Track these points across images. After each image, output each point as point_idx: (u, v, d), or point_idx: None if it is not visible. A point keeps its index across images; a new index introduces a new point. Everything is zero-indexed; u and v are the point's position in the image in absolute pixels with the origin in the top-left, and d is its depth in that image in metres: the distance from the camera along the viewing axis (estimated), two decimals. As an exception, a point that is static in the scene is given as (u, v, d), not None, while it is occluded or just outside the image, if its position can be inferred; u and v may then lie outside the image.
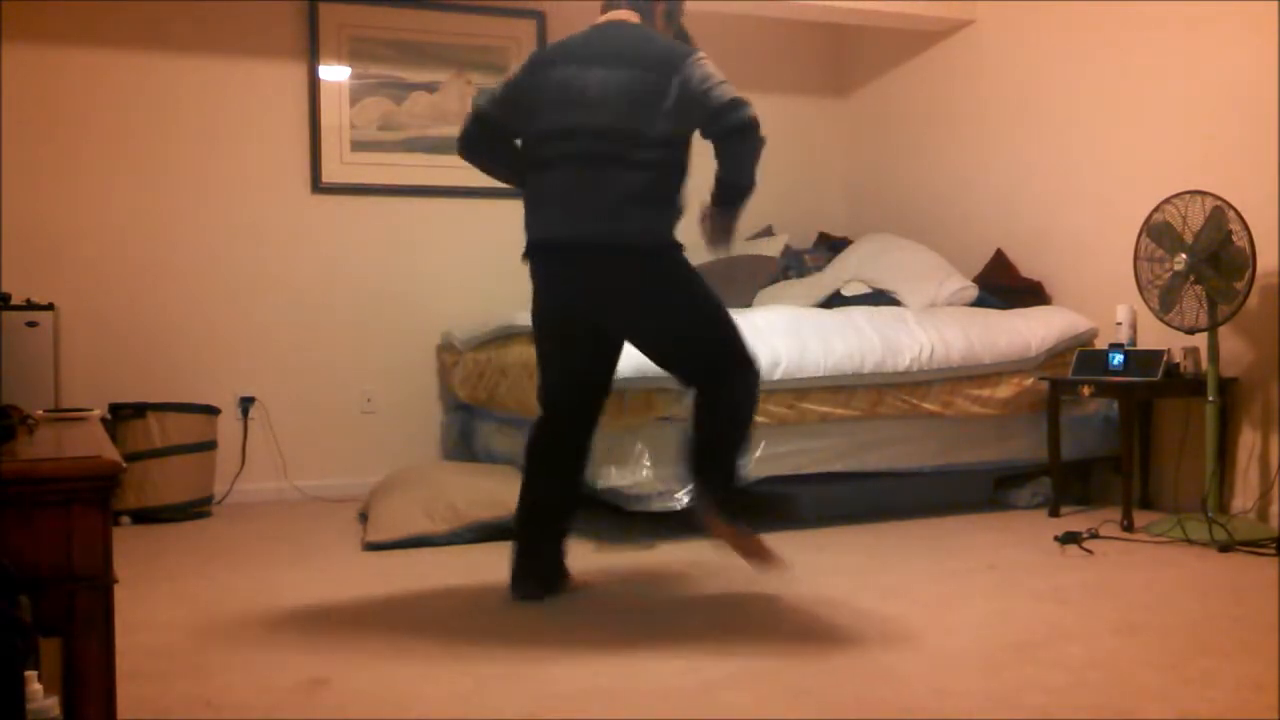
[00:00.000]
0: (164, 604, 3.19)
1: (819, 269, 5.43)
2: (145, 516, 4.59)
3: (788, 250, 5.57)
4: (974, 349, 4.39)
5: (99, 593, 1.50)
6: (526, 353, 4.35)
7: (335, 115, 5.30)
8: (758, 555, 3.10)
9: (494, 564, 3.72)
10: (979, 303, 4.84)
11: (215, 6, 5.11)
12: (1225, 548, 3.68)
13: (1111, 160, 4.69)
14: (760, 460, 4.07)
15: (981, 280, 5.04)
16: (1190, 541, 3.78)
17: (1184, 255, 3.89)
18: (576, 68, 3.03)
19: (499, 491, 4.12)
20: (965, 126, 5.45)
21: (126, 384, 4.89)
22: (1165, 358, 4.11)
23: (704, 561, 3.69)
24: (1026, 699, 2.28)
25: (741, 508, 3.11)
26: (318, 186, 5.28)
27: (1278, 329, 4.05)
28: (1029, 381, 4.47)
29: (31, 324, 4.36)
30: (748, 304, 5.06)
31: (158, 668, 2.57)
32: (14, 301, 4.41)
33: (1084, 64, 4.80)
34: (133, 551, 3.94)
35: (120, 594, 1.58)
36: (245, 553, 3.96)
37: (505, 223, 5.60)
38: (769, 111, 6.09)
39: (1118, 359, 4.18)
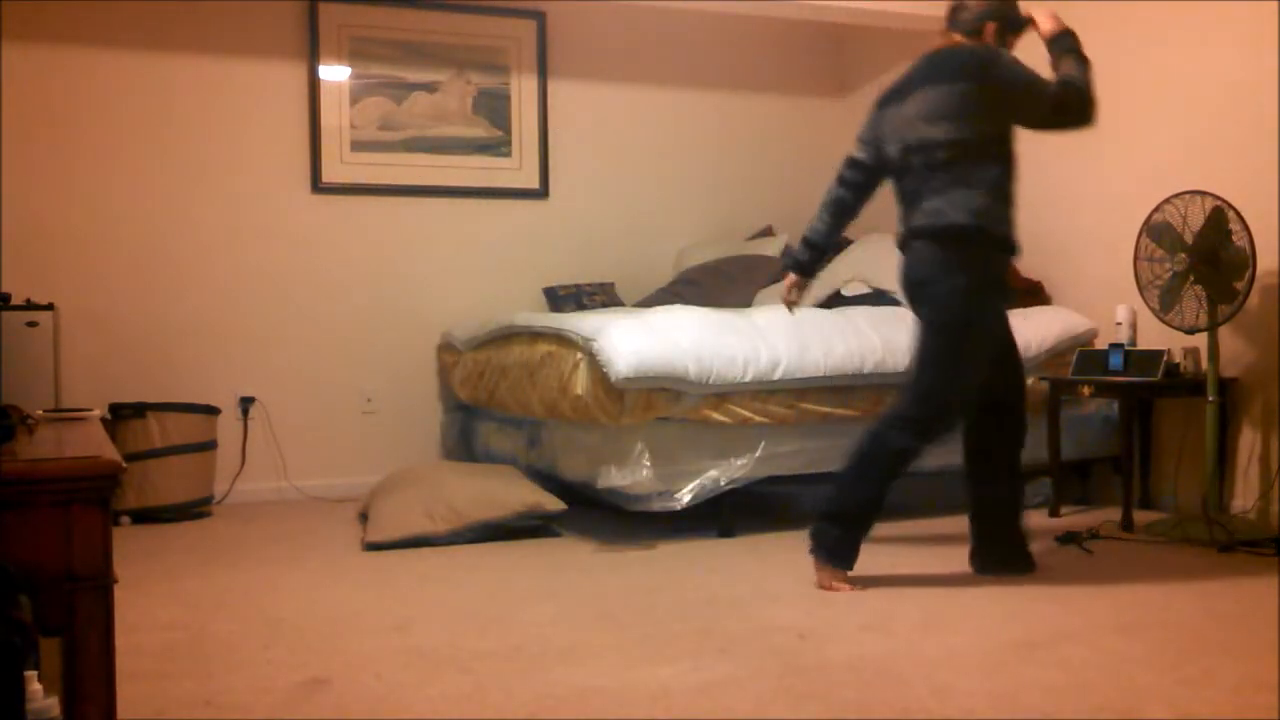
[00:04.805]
0: (164, 604, 3.19)
1: (819, 269, 5.42)
2: (145, 516, 4.59)
3: (788, 250, 5.57)
4: (974, 349, 4.38)
5: (99, 593, 1.50)
6: (527, 353, 4.35)
7: (335, 115, 5.30)
8: None
9: (494, 564, 3.72)
10: (979, 303, 4.83)
11: (215, 6, 5.11)
12: (1225, 548, 3.68)
13: (1111, 160, 4.69)
14: (760, 460, 4.07)
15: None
16: (1190, 541, 3.78)
17: (1184, 255, 3.89)
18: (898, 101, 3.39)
19: (499, 491, 4.12)
20: (965, 126, 5.44)
21: (126, 384, 4.89)
22: (1165, 358, 4.11)
23: (704, 561, 3.69)
24: (1026, 699, 2.28)
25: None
26: (318, 186, 5.28)
27: (1278, 329, 4.05)
28: (1029, 381, 4.46)
29: (31, 324, 4.36)
30: (748, 304, 5.06)
31: (158, 668, 2.57)
32: (14, 301, 4.41)
33: (1084, 64, 4.80)
34: (133, 551, 3.94)
35: (120, 594, 1.58)
36: (245, 553, 3.96)
37: (505, 223, 5.63)
38: (769, 111, 6.17)
39: (1118, 359, 4.18)
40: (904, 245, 3.37)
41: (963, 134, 3.23)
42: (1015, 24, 3.46)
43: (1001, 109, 3.27)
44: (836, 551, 3.30)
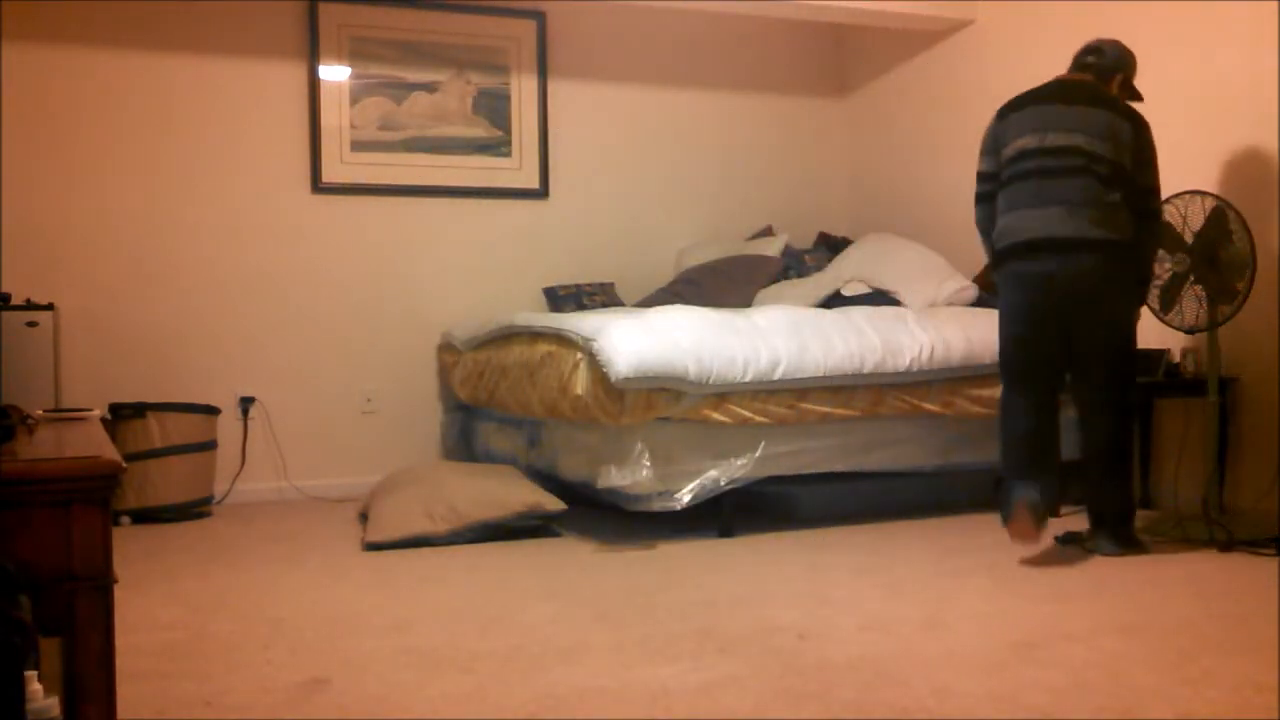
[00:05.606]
0: (164, 604, 3.19)
1: (819, 269, 5.43)
2: (145, 516, 4.59)
3: (788, 250, 5.57)
4: (974, 349, 4.39)
5: (99, 593, 1.50)
6: (527, 353, 4.35)
7: (335, 115, 5.30)
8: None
9: (494, 564, 3.73)
10: (979, 303, 4.84)
11: (215, 6, 5.11)
12: (1225, 548, 3.68)
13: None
14: (760, 460, 4.07)
15: (981, 280, 5.04)
16: (1190, 541, 3.78)
17: (1184, 255, 3.89)
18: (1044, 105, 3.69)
19: (499, 491, 4.12)
20: (966, 126, 5.43)
21: (126, 384, 4.89)
22: (1165, 358, 4.11)
23: (704, 561, 3.69)
24: (1026, 699, 2.28)
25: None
26: (318, 186, 5.28)
27: (1278, 329, 4.05)
28: (1029, 381, 4.46)
29: (31, 324, 4.36)
30: (748, 304, 5.06)
31: (158, 668, 2.57)
32: (14, 301, 4.41)
33: (1084, 64, 4.80)
34: (133, 551, 3.94)
35: (120, 594, 1.58)
36: (245, 553, 3.96)
37: (505, 223, 5.63)
38: (769, 111, 6.18)
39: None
40: (1064, 248, 3.55)
41: (1120, 159, 3.56)
42: (1134, 89, 3.80)
43: (1136, 162, 3.60)
44: (1130, 540, 3.68)
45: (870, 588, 3.28)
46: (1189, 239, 3.90)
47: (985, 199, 3.84)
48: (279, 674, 2.52)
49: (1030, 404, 3.72)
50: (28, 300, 4.46)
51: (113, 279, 4.95)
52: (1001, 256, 3.73)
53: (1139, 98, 3.80)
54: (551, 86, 5.70)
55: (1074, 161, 3.56)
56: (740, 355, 3.98)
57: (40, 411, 2.27)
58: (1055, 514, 3.76)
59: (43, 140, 4.86)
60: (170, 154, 5.05)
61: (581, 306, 5.34)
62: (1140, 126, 3.64)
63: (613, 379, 3.78)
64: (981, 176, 3.85)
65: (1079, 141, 3.57)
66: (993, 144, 3.82)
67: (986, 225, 3.84)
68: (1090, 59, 3.78)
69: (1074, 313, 3.62)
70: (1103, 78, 3.74)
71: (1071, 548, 3.74)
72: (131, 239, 4.99)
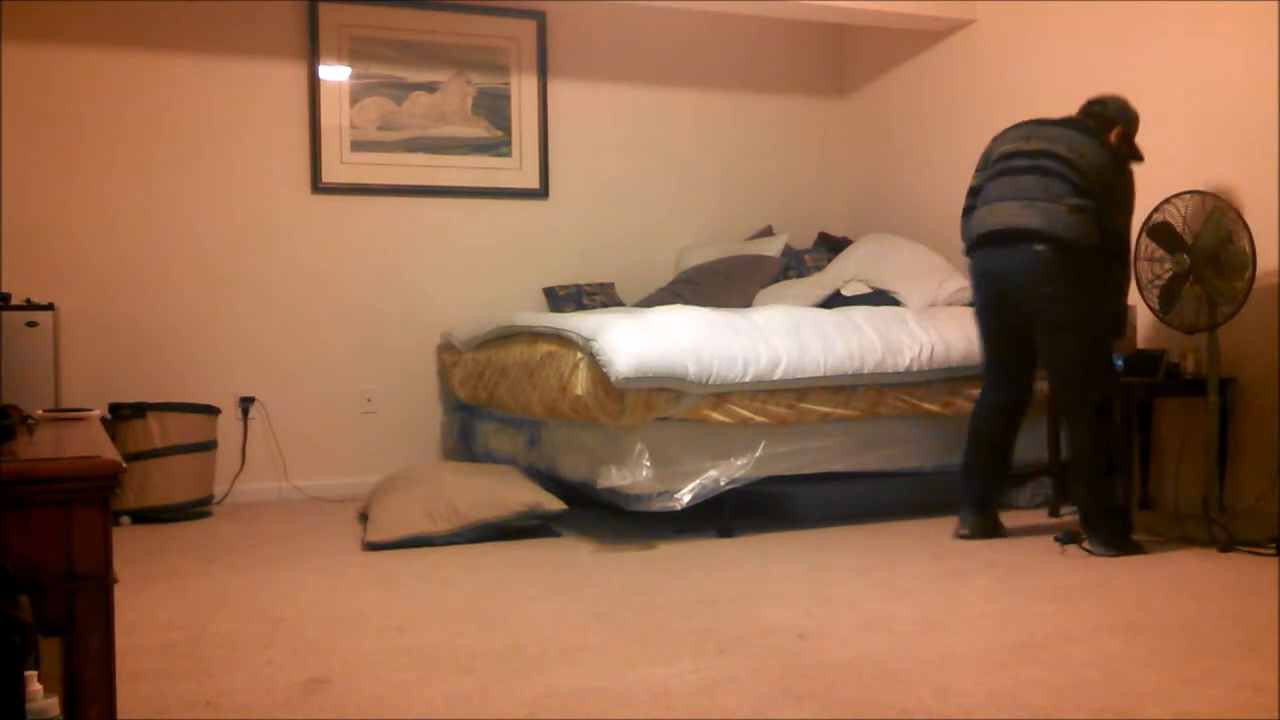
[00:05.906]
0: (164, 604, 3.19)
1: (819, 269, 5.43)
2: (145, 516, 4.59)
3: (788, 250, 5.57)
4: (974, 349, 4.38)
5: (99, 593, 1.50)
6: (527, 353, 4.35)
7: (335, 115, 5.30)
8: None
9: (494, 564, 3.72)
10: (979, 303, 4.83)
11: (215, 6, 5.11)
12: (1225, 548, 3.68)
13: (1111, 160, 4.68)
14: (760, 460, 4.07)
15: (981, 280, 5.04)
16: (1190, 541, 3.78)
17: (1184, 255, 3.89)
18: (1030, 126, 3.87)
19: (499, 491, 4.12)
20: (966, 126, 5.45)
21: (126, 384, 4.89)
22: (1165, 358, 4.11)
23: (704, 561, 3.69)
24: (1026, 699, 2.28)
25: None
26: (318, 186, 5.28)
27: (1278, 329, 4.05)
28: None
29: (31, 324, 4.36)
30: (748, 304, 5.06)
31: (158, 668, 2.57)
32: (14, 301, 4.41)
33: (1084, 64, 4.80)
34: (133, 551, 3.94)
35: (120, 594, 1.58)
36: (245, 553, 3.96)
37: (505, 223, 5.63)
38: (769, 111, 6.18)
39: (1118, 359, 4.17)
40: (1015, 240, 3.69)
41: (1095, 180, 3.66)
42: (1134, 146, 3.86)
43: (1110, 202, 3.69)
44: (1122, 541, 3.66)
45: (870, 588, 3.28)
46: (1189, 239, 3.90)
47: (970, 213, 3.95)
48: (279, 674, 2.52)
49: (994, 400, 3.96)
50: (28, 300, 4.46)
51: (113, 279, 4.96)
52: (968, 250, 3.89)
53: (1139, 157, 3.87)
54: (551, 86, 5.70)
55: (1046, 163, 3.70)
56: (740, 355, 3.98)
57: (40, 411, 2.28)
58: (995, 516, 4.00)
59: (43, 140, 4.86)
60: (171, 154, 5.05)
61: (581, 306, 5.34)
62: (1124, 171, 3.77)
63: (613, 379, 3.78)
64: (970, 191, 3.97)
65: (1058, 149, 3.72)
66: (984, 162, 3.96)
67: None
68: (1095, 109, 3.91)
69: (1030, 312, 3.74)
70: (1103, 127, 3.85)
71: (1071, 548, 3.74)
72: (131, 239, 4.99)
